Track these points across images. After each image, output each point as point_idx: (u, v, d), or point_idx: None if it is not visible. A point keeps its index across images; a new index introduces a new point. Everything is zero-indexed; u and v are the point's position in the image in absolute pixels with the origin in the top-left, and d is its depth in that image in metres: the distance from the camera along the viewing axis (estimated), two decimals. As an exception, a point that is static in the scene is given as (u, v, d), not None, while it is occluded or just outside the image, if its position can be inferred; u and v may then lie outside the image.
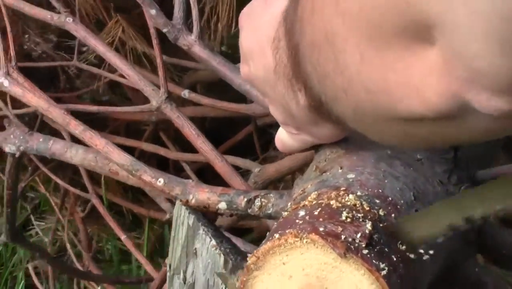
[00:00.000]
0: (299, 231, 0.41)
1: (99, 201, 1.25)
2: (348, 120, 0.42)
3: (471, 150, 0.58)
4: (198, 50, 0.77)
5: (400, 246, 0.43)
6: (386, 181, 0.48)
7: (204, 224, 0.58)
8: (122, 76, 0.87)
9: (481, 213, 0.40)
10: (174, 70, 1.40)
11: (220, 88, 1.03)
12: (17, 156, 0.80)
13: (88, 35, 0.85)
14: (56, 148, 0.76)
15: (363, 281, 0.40)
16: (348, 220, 0.42)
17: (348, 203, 0.44)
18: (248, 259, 0.43)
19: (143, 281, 1.35)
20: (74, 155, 0.74)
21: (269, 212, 0.57)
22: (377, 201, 0.46)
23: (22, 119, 1.31)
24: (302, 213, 0.44)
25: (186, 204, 0.62)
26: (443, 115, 0.33)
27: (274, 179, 1.07)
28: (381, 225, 0.43)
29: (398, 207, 0.46)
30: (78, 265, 1.37)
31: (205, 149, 0.75)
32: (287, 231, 0.42)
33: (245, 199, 0.59)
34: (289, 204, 0.51)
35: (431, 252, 0.44)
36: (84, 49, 1.33)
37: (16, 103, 1.09)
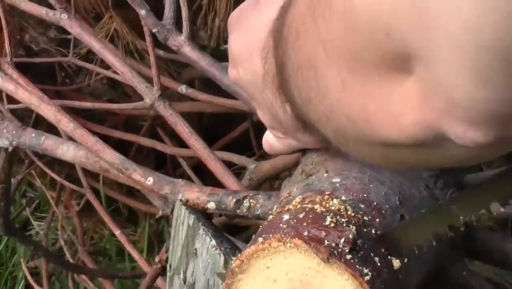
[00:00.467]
0: (283, 236, 0.41)
1: (93, 196, 1.25)
2: (330, 140, 0.42)
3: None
4: (188, 51, 0.77)
5: (387, 253, 0.43)
6: (371, 186, 0.48)
7: (204, 224, 0.58)
8: (117, 73, 0.87)
9: (464, 219, 0.40)
10: (172, 65, 1.39)
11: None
12: (9, 150, 0.80)
13: (83, 32, 0.85)
14: (48, 143, 0.76)
15: (347, 286, 0.40)
16: (332, 224, 0.42)
17: (333, 208, 0.44)
18: (232, 262, 0.43)
19: (141, 277, 1.35)
20: (66, 152, 0.74)
21: (258, 212, 0.58)
22: (362, 206, 0.46)
23: (21, 115, 1.31)
24: (286, 217, 0.44)
25: (186, 204, 0.62)
26: (419, 142, 0.33)
27: (269, 175, 1.06)
28: (365, 230, 0.43)
29: (383, 211, 0.46)
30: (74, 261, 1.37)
31: (198, 147, 0.75)
32: (271, 235, 0.42)
33: (234, 200, 0.59)
34: (275, 206, 0.51)
35: (416, 257, 0.44)
36: (84, 44, 1.33)
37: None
